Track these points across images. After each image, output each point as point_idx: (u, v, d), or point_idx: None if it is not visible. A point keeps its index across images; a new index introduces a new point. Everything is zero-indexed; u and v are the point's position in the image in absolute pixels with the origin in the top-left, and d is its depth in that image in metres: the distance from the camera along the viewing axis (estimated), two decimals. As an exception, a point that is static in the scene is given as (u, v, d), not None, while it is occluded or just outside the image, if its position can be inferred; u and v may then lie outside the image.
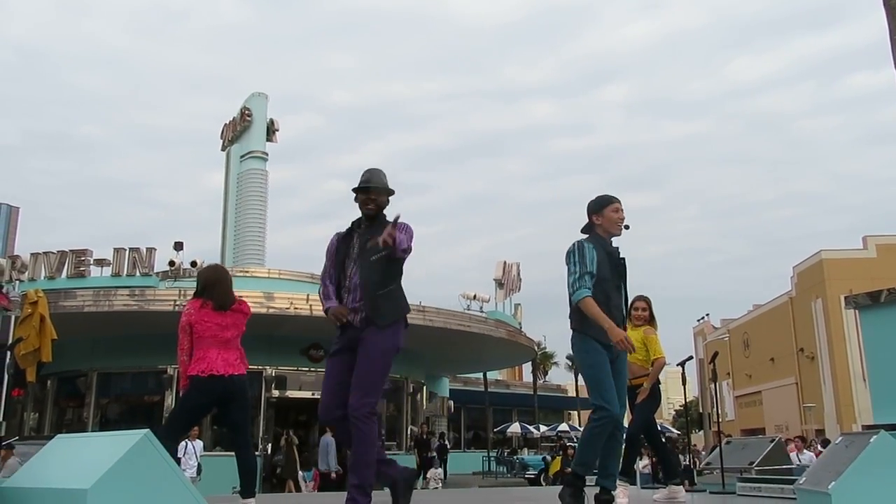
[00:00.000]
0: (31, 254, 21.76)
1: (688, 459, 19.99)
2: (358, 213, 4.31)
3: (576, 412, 46.20)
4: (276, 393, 20.72)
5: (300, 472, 17.88)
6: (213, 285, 4.87)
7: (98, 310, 18.09)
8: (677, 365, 7.35)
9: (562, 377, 57.77)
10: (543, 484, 23.92)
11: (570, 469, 4.90)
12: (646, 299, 6.44)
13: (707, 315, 53.87)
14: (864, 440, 3.88)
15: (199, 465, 12.81)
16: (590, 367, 4.46)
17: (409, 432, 24.00)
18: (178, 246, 21.97)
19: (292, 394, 20.98)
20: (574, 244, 4.57)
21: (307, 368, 20.48)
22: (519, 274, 31.24)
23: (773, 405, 40.68)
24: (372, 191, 4.21)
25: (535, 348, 30.66)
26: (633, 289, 5.31)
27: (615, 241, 4.73)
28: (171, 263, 21.59)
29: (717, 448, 7.67)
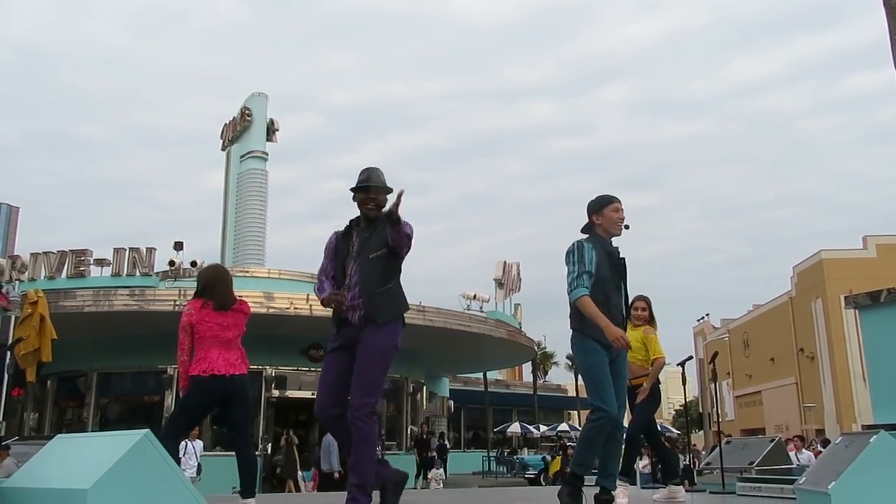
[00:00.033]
0: (31, 254, 21.76)
1: (688, 459, 19.98)
2: (357, 213, 4.30)
3: (576, 412, 46.18)
4: (275, 393, 20.73)
5: (299, 472, 17.88)
6: (214, 285, 4.87)
7: (98, 310, 18.09)
8: (677, 365, 7.35)
9: (562, 377, 57.82)
10: (543, 484, 23.92)
11: (568, 469, 4.90)
12: (645, 299, 6.44)
13: (707, 315, 53.94)
14: (864, 440, 3.87)
15: (199, 465, 12.80)
16: (588, 367, 4.45)
17: (409, 432, 24.01)
18: (178, 246, 21.98)
19: (292, 394, 20.99)
20: (573, 244, 4.57)
21: (307, 368, 20.48)
22: (519, 274, 31.25)
23: (773, 405, 40.69)
24: (372, 190, 4.19)
25: (535, 348, 30.66)
26: (633, 289, 5.31)
27: (615, 241, 4.73)
28: (171, 263, 21.60)
29: (717, 448, 7.67)
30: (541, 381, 47.67)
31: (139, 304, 18.32)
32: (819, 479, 3.98)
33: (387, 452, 18.81)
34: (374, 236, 4.14)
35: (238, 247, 28.94)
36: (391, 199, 3.95)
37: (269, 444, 19.74)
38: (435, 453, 23.66)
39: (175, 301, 17.58)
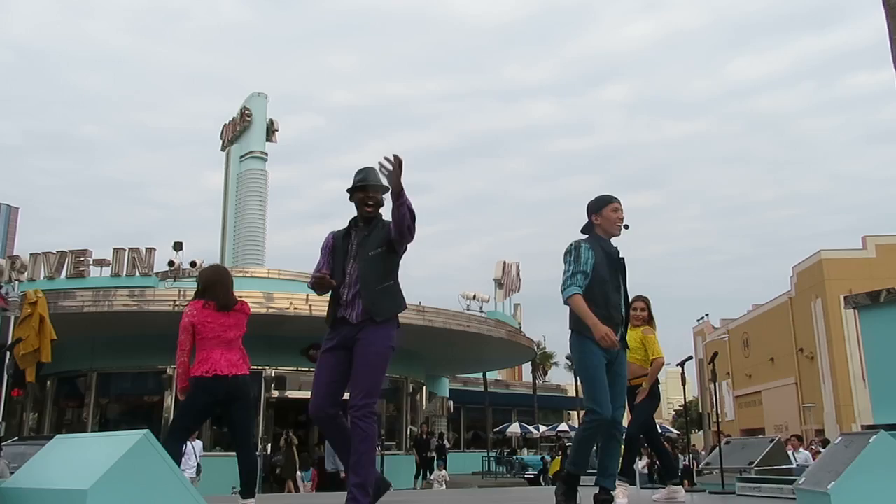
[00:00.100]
0: (31, 254, 21.75)
1: (687, 459, 19.99)
2: (354, 214, 4.30)
3: (575, 412, 46.16)
4: (275, 393, 20.72)
5: (298, 472, 17.87)
6: (214, 285, 4.87)
7: (98, 310, 18.08)
8: (677, 365, 7.35)
9: (561, 377, 57.81)
10: (543, 484, 23.92)
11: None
12: (644, 299, 6.44)
13: (707, 315, 53.95)
14: (864, 440, 3.87)
15: (198, 465, 12.81)
16: (585, 369, 4.45)
17: (408, 432, 24.00)
18: (178, 246, 21.99)
19: (292, 394, 20.97)
20: (571, 244, 4.57)
21: (307, 368, 20.42)
22: (519, 274, 31.27)
23: (773, 405, 40.69)
24: (370, 189, 4.19)
25: (535, 348, 30.66)
26: (634, 289, 5.30)
27: (615, 241, 4.73)
28: (171, 263, 21.61)
29: (717, 448, 7.68)
30: (540, 382, 47.66)
31: (139, 305, 18.31)
32: (819, 479, 3.98)
33: (386, 453, 18.80)
34: (372, 235, 4.15)
35: (238, 247, 28.95)
36: (385, 211, 3.93)
37: (269, 445, 19.74)
38: (434, 454, 23.66)
39: (175, 301, 17.58)
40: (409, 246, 4.18)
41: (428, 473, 23.01)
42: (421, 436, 23.95)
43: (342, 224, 4.33)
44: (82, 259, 21.27)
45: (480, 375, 36.86)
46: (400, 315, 4.21)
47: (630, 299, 5.71)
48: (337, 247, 4.24)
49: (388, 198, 4.09)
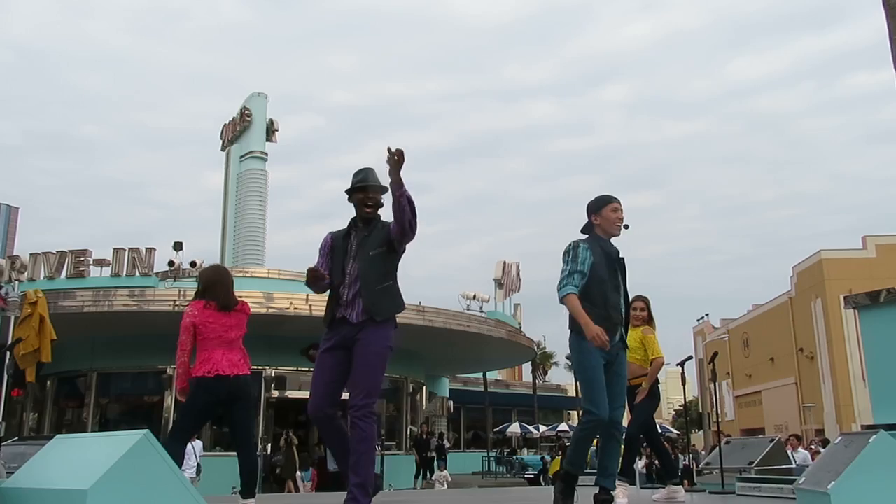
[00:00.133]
0: (31, 254, 21.75)
1: (687, 459, 20.00)
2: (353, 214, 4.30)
3: (575, 412, 46.16)
4: (275, 393, 20.73)
5: (298, 472, 17.88)
6: (215, 286, 4.88)
7: (98, 310, 18.08)
8: (677, 365, 7.35)
9: (561, 377, 57.83)
10: (543, 484, 23.92)
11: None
12: (644, 299, 6.44)
13: (707, 315, 53.95)
14: (864, 440, 3.87)
15: (198, 465, 12.81)
16: (583, 370, 4.46)
17: (408, 432, 24.01)
18: (178, 246, 21.99)
19: (292, 394, 20.97)
20: (570, 244, 4.58)
21: (307, 368, 20.42)
22: (519, 274, 31.27)
23: (773, 405, 40.69)
24: (370, 189, 4.18)
25: (535, 348, 30.67)
26: (633, 289, 5.31)
27: (616, 241, 4.73)
28: (171, 263, 21.61)
29: (717, 448, 7.68)
30: (540, 382, 47.67)
31: (139, 305, 18.32)
32: (819, 479, 3.98)
33: (386, 453, 18.80)
34: (372, 236, 4.15)
35: (238, 247, 28.95)
36: (383, 212, 3.94)
37: (269, 445, 19.75)
38: (434, 453, 23.67)
39: (175, 301, 17.59)
40: (409, 246, 4.18)
41: (428, 473, 23.01)
42: (421, 436, 23.96)
43: (342, 224, 4.33)
44: (82, 259, 21.27)
45: (480, 375, 36.87)
46: (400, 315, 4.22)
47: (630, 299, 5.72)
48: (336, 247, 4.23)
49: (386, 197, 4.10)
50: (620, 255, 4.69)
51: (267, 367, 20.03)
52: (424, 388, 26.92)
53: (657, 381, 6.35)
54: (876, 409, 4.59)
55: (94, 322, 18.45)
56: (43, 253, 21.52)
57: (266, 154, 29.65)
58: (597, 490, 4.54)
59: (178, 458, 4.47)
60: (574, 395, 45.89)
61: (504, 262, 30.49)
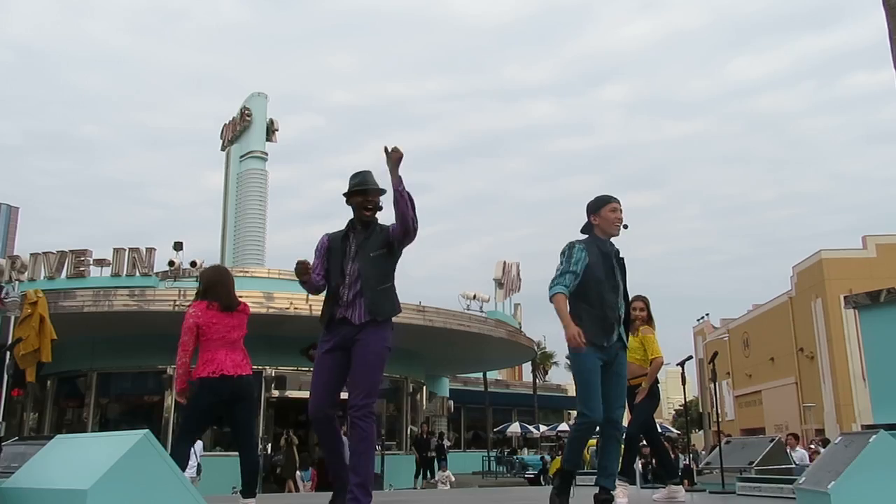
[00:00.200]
0: (31, 254, 21.74)
1: (688, 459, 20.00)
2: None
3: (575, 412, 46.16)
4: (275, 393, 20.73)
5: (298, 472, 17.89)
6: (216, 286, 4.88)
7: (98, 310, 18.08)
8: (677, 365, 7.35)
9: (561, 377, 57.73)
10: (543, 483, 23.92)
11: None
12: (643, 299, 6.44)
13: (707, 315, 53.90)
14: (864, 440, 3.87)
15: (198, 465, 12.81)
16: (579, 372, 4.46)
17: (408, 432, 24.01)
18: (178, 246, 22.00)
19: (292, 394, 20.97)
20: (567, 244, 4.58)
21: (307, 368, 20.43)
22: (519, 274, 31.25)
23: (773, 405, 40.68)
24: (369, 192, 4.19)
25: (535, 348, 30.66)
26: (633, 289, 5.31)
27: (616, 241, 4.73)
28: (171, 263, 21.61)
29: (717, 448, 7.68)
30: (540, 381, 47.66)
31: (139, 305, 18.32)
32: (819, 478, 3.98)
33: (386, 453, 18.80)
34: (372, 238, 4.16)
35: (238, 247, 28.94)
36: (381, 216, 3.97)
37: (269, 444, 19.75)
38: (434, 453, 23.67)
39: (175, 301, 17.58)
40: (408, 246, 4.19)
41: (428, 473, 23.00)
42: (421, 435, 23.96)
43: (342, 224, 4.33)
44: (82, 259, 21.27)
45: (480, 375, 36.86)
46: (400, 315, 4.24)
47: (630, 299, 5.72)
48: (334, 248, 4.24)
49: (385, 199, 4.12)
50: (620, 255, 4.70)
51: (267, 367, 20.03)
52: (424, 387, 26.92)
53: (657, 381, 6.36)
54: (876, 408, 4.59)
55: (94, 322, 18.45)
56: (43, 253, 21.52)
57: (266, 154, 29.64)
58: (597, 490, 4.54)
59: (184, 460, 4.49)
60: (574, 394, 45.88)
61: (504, 262, 30.48)
